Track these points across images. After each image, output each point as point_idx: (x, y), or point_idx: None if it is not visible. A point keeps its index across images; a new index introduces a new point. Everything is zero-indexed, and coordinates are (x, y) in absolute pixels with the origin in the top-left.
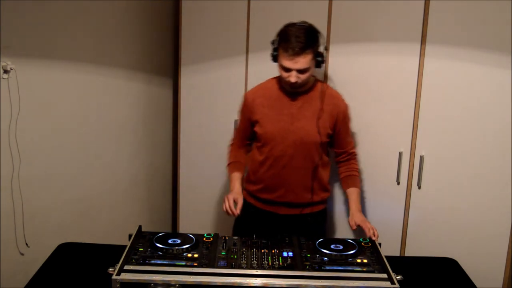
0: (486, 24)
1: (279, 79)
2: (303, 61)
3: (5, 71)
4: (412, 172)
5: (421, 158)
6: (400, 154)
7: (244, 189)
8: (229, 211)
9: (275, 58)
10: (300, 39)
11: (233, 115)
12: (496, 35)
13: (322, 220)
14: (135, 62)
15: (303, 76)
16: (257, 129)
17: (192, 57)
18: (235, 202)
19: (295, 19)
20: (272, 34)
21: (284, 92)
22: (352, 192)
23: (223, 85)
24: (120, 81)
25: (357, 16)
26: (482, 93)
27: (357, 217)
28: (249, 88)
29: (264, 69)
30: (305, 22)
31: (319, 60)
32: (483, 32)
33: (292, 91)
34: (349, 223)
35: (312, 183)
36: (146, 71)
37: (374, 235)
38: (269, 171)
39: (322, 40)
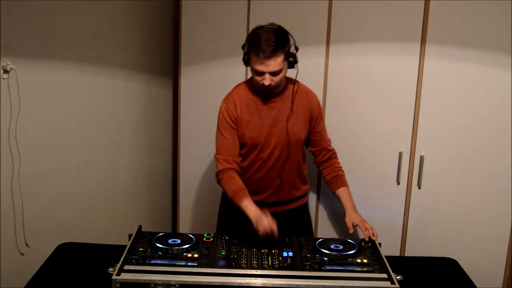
0: (486, 24)
1: (250, 84)
2: (275, 63)
3: (5, 71)
4: (412, 172)
5: (421, 158)
6: (400, 154)
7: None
8: (271, 230)
9: (246, 62)
10: (270, 41)
11: None
12: (496, 35)
13: (305, 212)
14: (135, 62)
15: (276, 78)
16: (240, 137)
17: (192, 57)
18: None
19: (295, 19)
20: None
21: (259, 97)
22: (343, 191)
23: (223, 85)
24: (120, 81)
25: (357, 16)
26: (482, 93)
27: (354, 217)
28: None
29: None
30: (273, 24)
31: (291, 60)
32: (483, 32)
33: (266, 93)
34: (346, 224)
35: (297, 180)
36: (146, 71)
37: (374, 235)
38: (256, 175)
39: (292, 40)
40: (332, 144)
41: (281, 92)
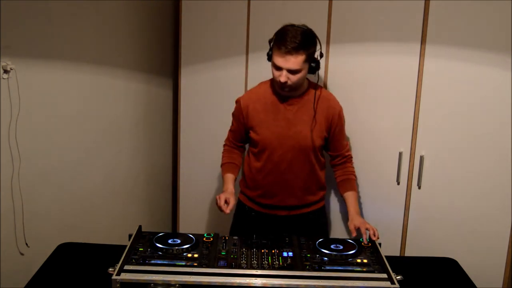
0: (486, 24)
1: (271, 83)
2: (295, 61)
3: (5, 71)
4: (412, 172)
5: (421, 158)
6: (400, 154)
7: (242, 192)
8: (221, 208)
9: (269, 57)
10: (295, 39)
11: None
12: (496, 35)
13: (323, 215)
14: (135, 62)
15: (293, 78)
16: (253, 135)
17: (192, 57)
18: (227, 202)
19: (295, 19)
20: (273, 34)
21: (278, 97)
22: (350, 195)
23: (223, 85)
24: (120, 81)
25: (357, 16)
26: (482, 93)
27: (356, 220)
28: (250, 88)
29: (264, 69)
30: (305, 26)
31: (313, 65)
32: (483, 32)
33: (283, 93)
34: (349, 228)
35: (312, 185)
36: (146, 71)
37: (375, 235)
38: (268, 177)
39: (319, 46)
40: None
41: (301, 95)
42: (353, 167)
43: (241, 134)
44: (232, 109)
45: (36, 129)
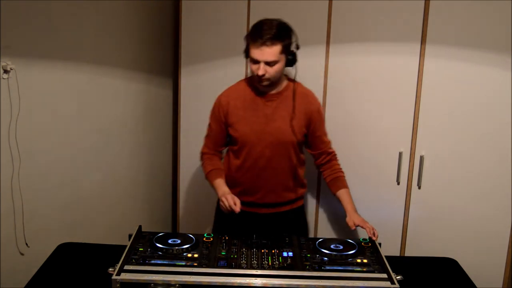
0: (486, 24)
1: (250, 80)
2: (271, 51)
3: (5, 71)
4: (412, 172)
5: (421, 158)
6: (400, 154)
7: None
8: (232, 207)
9: (247, 53)
10: (269, 30)
11: None
12: (496, 35)
13: (302, 214)
14: (135, 62)
15: (271, 70)
16: (232, 132)
17: (192, 57)
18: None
19: (295, 19)
20: None
21: (258, 94)
22: (343, 193)
23: (223, 85)
24: (120, 81)
25: (357, 16)
26: (482, 93)
27: (355, 218)
28: None
29: None
30: (280, 19)
31: (290, 58)
32: (483, 32)
33: (261, 88)
34: (347, 224)
35: (291, 182)
36: (146, 71)
37: (374, 235)
38: (247, 174)
39: (295, 38)
40: (332, 144)
41: (280, 91)
42: (339, 164)
43: (221, 136)
44: None
45: (36, 129)
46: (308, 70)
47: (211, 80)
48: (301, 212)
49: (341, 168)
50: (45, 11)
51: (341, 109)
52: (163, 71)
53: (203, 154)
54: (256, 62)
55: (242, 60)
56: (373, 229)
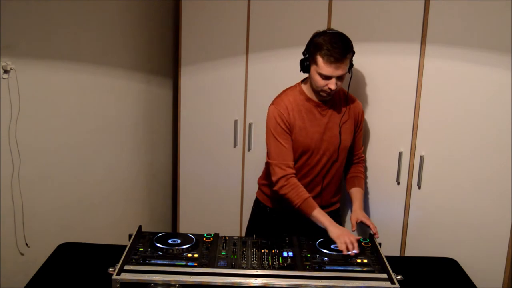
0: (486, 24)
1: (300, 91)
2: (344, 67)
3: (5, 71)
4: (412, 172)
5: (421, 158)
6: (400, 154)
7: (260, 190)
8: (351, 248)
9: (306, 69)
10: (338, 45)
11: (233, 115)
12: (496, 35)
13: (339, 215)
14: (135, 62)
15: (340, 83)
16: (294, 143)
17: (192, 57)
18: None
19: (295, 19)
20: (272, 34)
21: (312, 103)
22: (356, 191)
23: (223, 85)
24: (120, 81)
25: (357, 16)
26: (482, 93)
27: (359, 215)
28: (250, 88)
29: (264, 69)
30: (332, 29)
31: (351, 64)
32: (483, 32)
33: (324, 99)
34: (351, 220)
35: (337, 186)
36: (146, 71)
37: (376, 234)
38: (302, 180)
39: (352, 45)
40: None
41: (332, 99)
42: (363, 168)
43: (291, 149)
44: (232, 109)
45: (36, 129)
46: None
47: (211, 80)
48: (338, 213)
49: (363, 172)
50: (45, 11)
51: None
52: (163, 71)
53: (281, 179)
54: (327, 78)
55: (242, 60)
56: (374, 226)
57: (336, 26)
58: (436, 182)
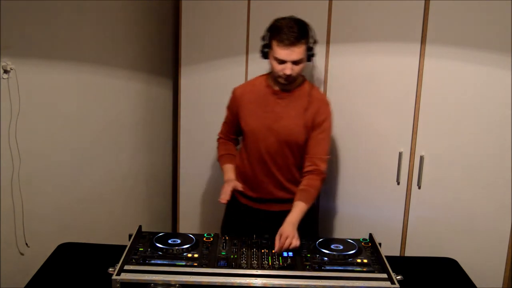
0: (486, 24)
1: (267, 77)
2: (298, 51)
3: (5, 71)
4: (412, 172)
5: (421, 158)
6: (400, 154)
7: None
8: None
9: (265, 55)
10: (293, 29)
11: None
12: (496, 35)
13: (314, 213)
14: (135, 62)
15: (296, 68)
16: (242, 124)
17: (192, 57)
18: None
19: None
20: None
21: (271, 90)
22: (298, 204)
23: (223, 85)
24: (120, 81)
25: (357, 16)
26: (482, 93)
27: (285, 228)
28: None
29: (264, 69)
30: (293, 16)
31: (310, 53)
32: (483, 32)
33: (284, 86)
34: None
35: (290, 182)
36: (146, 71)
37: (281, 249)
38: (252, 167)
39: (312, 33)
40: (331, 144)
41: (293, 90)
42: (319, 182)
43: (234, 126)
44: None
45: (36, 129)
46: (307, 69)
47: (211, 80)
48: (313, 210)
49: (317, 186)
50: (45, 11)
51: (341, 109)
52: (163, 71)
53: (219, 138)
54: (282, 62)
55: (242, 60)
56: (290, 243)
57: (336, 26)
58: (436, 182)
